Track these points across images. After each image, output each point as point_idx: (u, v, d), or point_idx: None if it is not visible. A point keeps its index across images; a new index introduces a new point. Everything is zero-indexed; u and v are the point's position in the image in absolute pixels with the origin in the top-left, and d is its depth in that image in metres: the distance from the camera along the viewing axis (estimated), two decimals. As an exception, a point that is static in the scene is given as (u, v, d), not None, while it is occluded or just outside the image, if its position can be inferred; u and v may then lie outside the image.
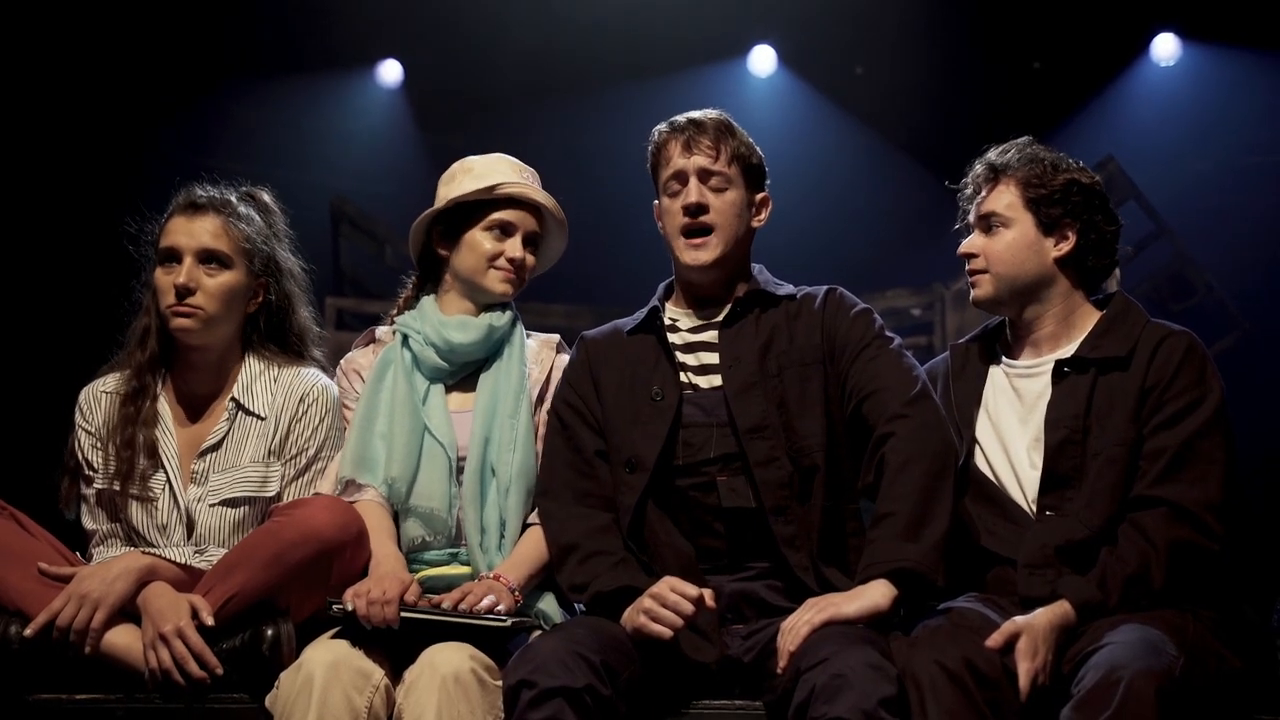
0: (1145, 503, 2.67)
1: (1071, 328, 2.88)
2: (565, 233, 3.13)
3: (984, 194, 2.93)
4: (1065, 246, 2.87)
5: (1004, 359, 2.95)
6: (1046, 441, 2.77)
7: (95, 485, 2.98)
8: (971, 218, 2.95)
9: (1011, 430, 2.85)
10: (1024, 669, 2.47)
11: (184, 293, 2.97)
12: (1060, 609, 2.57)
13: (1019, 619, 2.54)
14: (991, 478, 2.84)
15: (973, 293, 2.94)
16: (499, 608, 2.70)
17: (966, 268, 2.94)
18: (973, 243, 2.93)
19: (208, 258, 3.00)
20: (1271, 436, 5.43)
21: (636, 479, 2.81)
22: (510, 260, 3.03)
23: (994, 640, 2.50)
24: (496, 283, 3.03)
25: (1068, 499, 2.73)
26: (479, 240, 3.04)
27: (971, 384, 2.93)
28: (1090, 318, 2.88)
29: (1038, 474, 2.78)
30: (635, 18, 6.88)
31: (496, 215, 3.04)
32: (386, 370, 3.02)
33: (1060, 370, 2.82)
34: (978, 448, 2.87)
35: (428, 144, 7.33)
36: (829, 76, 7.37)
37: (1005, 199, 2.89)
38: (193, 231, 3.01)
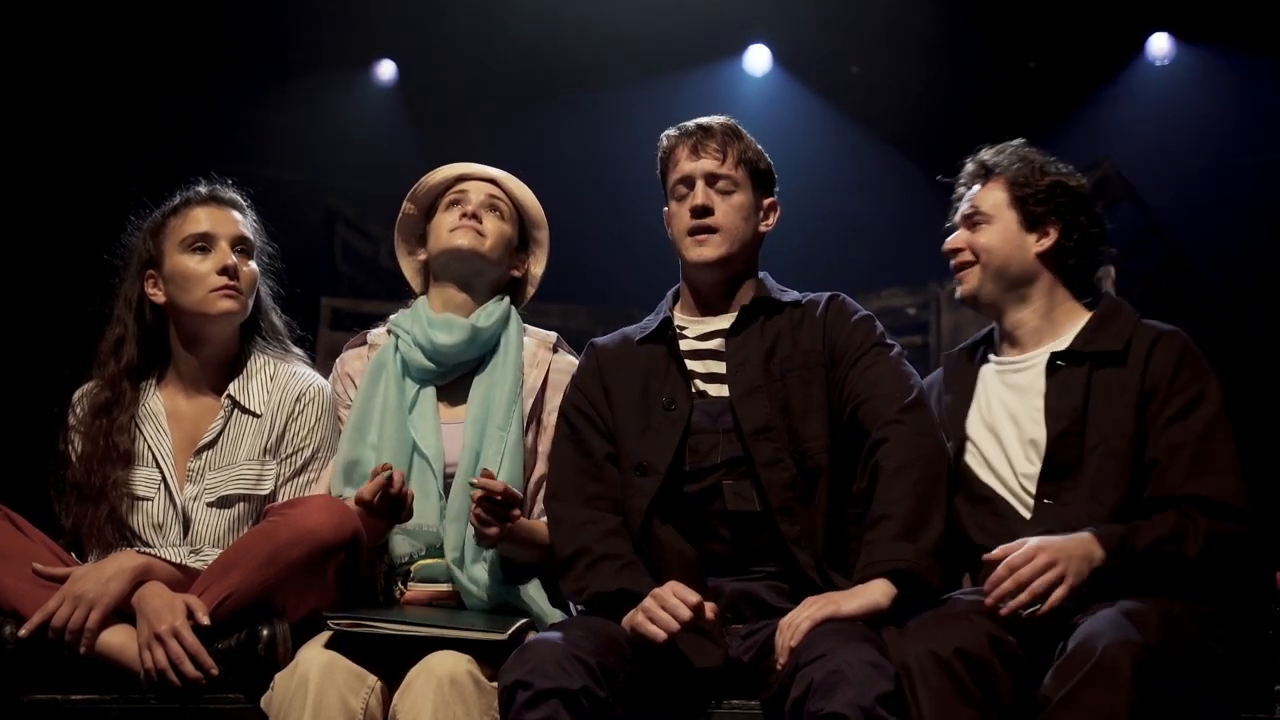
0: (1179, 501, 2.68)
1: (1055, 324, 2.92)
2: (531, 198, 3.15)
3: (973, 191, 3.01)
4: (1046, 242, 2.94)
5: (992, 357, 3.00)
6: (1048, 432, 2.80)
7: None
8: (958, 215, 3.03)
9: (1004, 425, 2.88)
10: (1047, 578, 2.49)
11: (234, 273, 2.98)
12: (1087, 540, 2.57)
13: (1037, 540, 2.56)
14: (983, 475, 2.86)
15: (959, 289, 3.02)
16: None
17: (953, 263, 3.01)
18: (958, 238, 3.02)
19: (240, 245, 3.03)
20: (1266, 433, 5.42)
21: (648, 483, 2.81)
22: (465, 216, 3.05)
23: (997, 552, 2.54)
24: (460, 238, 3.04)
25: (1066, 489, 2.76)
26: (440, 220, 3.10)
27: (962, 387, 2.98)
28: (1078, 316, 2.93)
29: (1033, 467, 2.81)
30: (630, 17, 6.87)
31: (448, 195, 3.11)
32: (380, 375, 3.01)
33: (1054, 363, 2.86)
34: (969, 445, 2.90)
35: (423, 144, 7.31)
36: (824, 76, 7.37)
37: (992, 197, 2.98)
38: (224, 219, 3.04)
